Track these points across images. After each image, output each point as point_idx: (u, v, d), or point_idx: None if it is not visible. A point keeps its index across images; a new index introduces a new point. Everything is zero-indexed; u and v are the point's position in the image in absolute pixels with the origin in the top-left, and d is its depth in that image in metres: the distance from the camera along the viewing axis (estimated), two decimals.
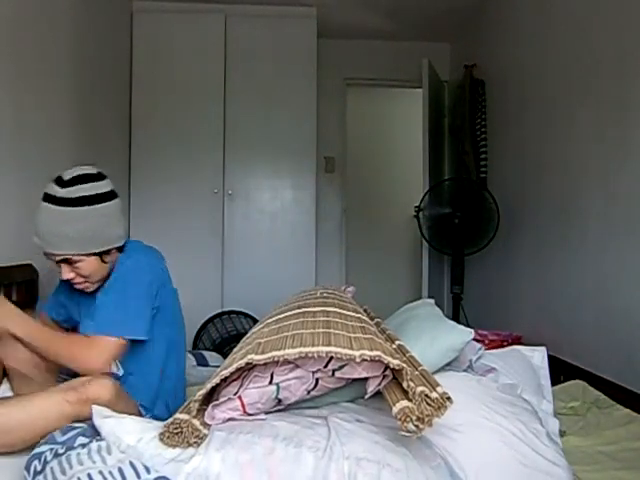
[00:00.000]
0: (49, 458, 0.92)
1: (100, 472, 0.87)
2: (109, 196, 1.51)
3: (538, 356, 1.69)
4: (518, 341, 2.81)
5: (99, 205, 1.47)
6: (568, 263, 2.63)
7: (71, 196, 1.43)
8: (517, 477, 1.07)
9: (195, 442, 0.91)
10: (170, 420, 0.94)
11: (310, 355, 0.93)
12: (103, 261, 1.50)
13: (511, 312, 3.26)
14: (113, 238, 1.52)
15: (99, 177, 1.52)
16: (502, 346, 2.72)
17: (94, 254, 1.48)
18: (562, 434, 1.49)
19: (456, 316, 3.50)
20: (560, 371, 2.40)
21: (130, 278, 1.47)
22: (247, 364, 0.95)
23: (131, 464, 0.89)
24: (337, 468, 0.89)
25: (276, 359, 0.94)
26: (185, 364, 1.73)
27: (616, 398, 1.94)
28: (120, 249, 1.55)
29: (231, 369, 0.95)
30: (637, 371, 2.10)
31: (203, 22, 3.66)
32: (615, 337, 2.26)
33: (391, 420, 1.01)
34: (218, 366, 1.27)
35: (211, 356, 2.23)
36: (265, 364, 0.98)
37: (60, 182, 1.46)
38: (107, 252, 1.50)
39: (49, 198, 1.44)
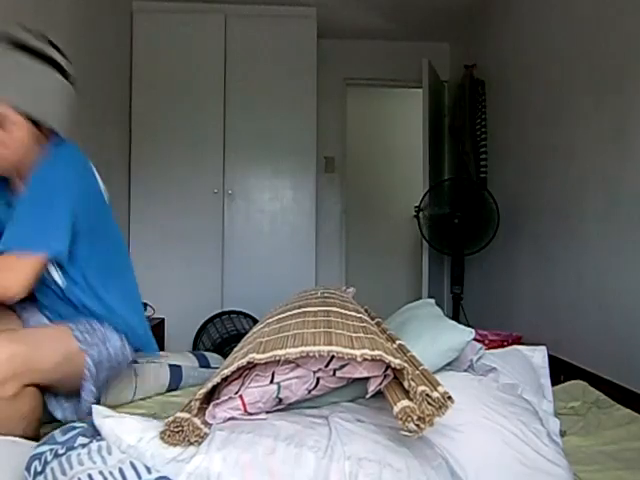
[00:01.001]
0: (49, 458, 0.92)
1: (101, 472, 0.87)
2: (65, 73, 1.34)
3: (538, 356, 1.69)
4: (518, 341, 2.81)
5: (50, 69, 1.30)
6: (568, 263, 2.63)
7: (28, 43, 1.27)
8: (518, 477, 1.07)
9: (196, 441, 0.91)
10: (171, 419, 0.94)
11: (311, 354, 0.93)
12: (37, 142, 1.32)
13: (511, 312, 3.26)
14: (50, 115, 1.32)
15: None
16: (502, 346, 2.72)
17: (28, 119, 1.28)
18: (562, 434, 1.49)
19: (456, 316, 3.51)
20: (560, 371, 2.40)
21: (52, 183, 1.27)
22: (248, 363, 0.95)
23: (132, 464, 0.89)
24: (338, 468, 0.89)
25: (277, 358, 0.94)
26: (138, 294, 1.56)
27: (616, 398, 1.94)
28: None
29: (232, 368, 0.95)
30: (637, 371, 2.10)
31: (203, 22, 3.66)
32: (615, 337, 2.26)
33: (392, 420, 1.01)
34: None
35: (212, 357, 2.23)
36: (266, 363, 0.98)
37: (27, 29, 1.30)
38: (40, 131, 1.32)
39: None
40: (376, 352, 0.92)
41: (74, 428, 1.00)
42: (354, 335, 0.99)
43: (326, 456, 0.90)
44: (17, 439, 1.23)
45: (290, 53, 3.70)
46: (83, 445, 0.93)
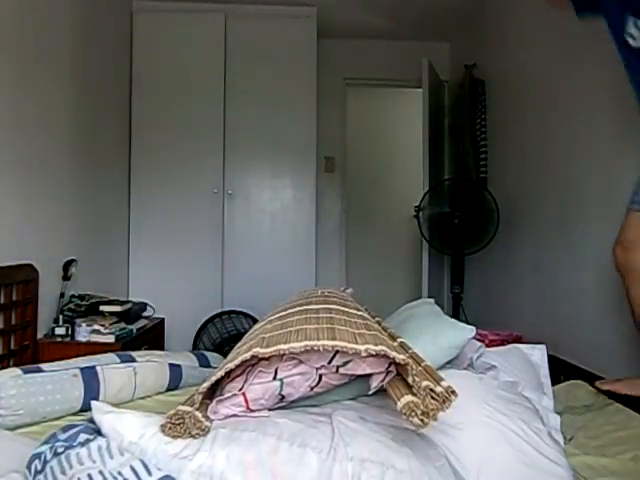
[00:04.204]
0: (49, 457, 0.92)
1: (100, 472, 0.87)
2: None
3: (538, 354, 1.69)
4: (519, 341, 2.81)
5: None
6: (568, 262, 2.63)
7: None
8: (519, 477, 1.07)
9: (197, 433, 0.91)
10: (172, 411, 0.93)
11: (316, 348, 0.92)
12: None
13: (511, 312, 3.26)
14: None
15: None
16: (502, 346, 2.72)
17: None
18: (567, 440, 1.49)
19: (456, 316, 3.50)
20: (560, 371, 2.39)
21: None
22: (252, 357, 0.95)
23: (132, 468, 0.88)
24: (341, 469, 0.89)
25: (282, 352, 0.93)
26: None
27: (616, 398, 1.94)
28: None
29: (236, 362, 0.95)
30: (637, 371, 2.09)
31: (203, 22, 3.66)
32: (615, 337, 2.26)
33: (394, 418, 1.01)
34: None
35: (212, 357, 2.23)
36: (269, 359, 0.98)
37: None
38: None
39: None
40: (380, 347, 0.92)
41: (75, 426, 1.00)
42: (357, 331, 0.99)
43: (329, 457, 0.90)
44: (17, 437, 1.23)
45: (290, 53, 3.70)
46: (82, 444, 0.93)
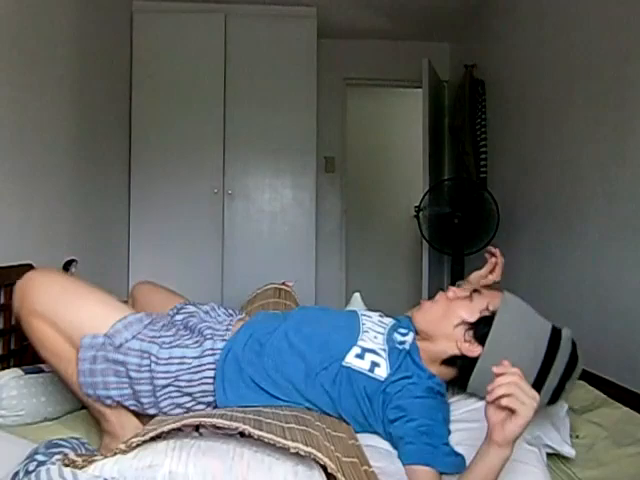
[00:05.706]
0: (21, 476, 0.90)
1: None
2: None
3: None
4: None
5: None
6: (568, 263, 2.63)
7: None
8: None
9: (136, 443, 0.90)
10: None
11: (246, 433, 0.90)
12: None
13: None
14: None
15: None
16: None
17: None
18: (575, 437, 1.48)
19: None
20: None
21: None
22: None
23: None
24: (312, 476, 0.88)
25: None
26: None
27: (616, 398, 1.94)
28: None
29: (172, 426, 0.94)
30: (637, 371, 2.10)
31: (203, 22, 3.66)
32: (615, 337, 2.26)
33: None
34: None
35: None
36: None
37: None
38: None
39: None
40: (309, 449, 0.89)
41: (58, 445, 0.98)
42: (286, 425, 0.98)
43: (298, 464, 0.89)
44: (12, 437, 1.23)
45: (290, 53, 3.70)
46: (56, 456, 0.90)
